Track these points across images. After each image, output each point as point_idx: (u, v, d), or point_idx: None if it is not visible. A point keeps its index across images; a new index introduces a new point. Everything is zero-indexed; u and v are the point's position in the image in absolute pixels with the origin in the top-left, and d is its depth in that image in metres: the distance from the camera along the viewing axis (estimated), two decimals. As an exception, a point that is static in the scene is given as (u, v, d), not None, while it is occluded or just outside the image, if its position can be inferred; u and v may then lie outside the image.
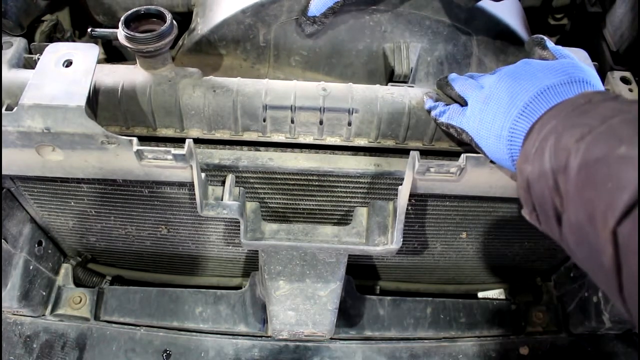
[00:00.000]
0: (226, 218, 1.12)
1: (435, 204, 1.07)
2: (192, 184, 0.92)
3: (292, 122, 0.93)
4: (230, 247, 1.23)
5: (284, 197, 1.07)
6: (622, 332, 1.26)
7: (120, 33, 0.87)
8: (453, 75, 0.89)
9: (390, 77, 1.03)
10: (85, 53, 0.86)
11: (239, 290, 1.30)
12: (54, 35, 1.18)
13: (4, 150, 0.88)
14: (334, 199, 1.07)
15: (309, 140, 0.97)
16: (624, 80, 1.00)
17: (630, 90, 0.99)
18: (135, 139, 0.86)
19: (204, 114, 0.93)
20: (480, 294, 1.42)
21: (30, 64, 0.98)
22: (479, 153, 0.84)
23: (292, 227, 1.05)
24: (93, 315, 1.27)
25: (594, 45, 1.19)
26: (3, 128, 0.83)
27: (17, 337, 1.23)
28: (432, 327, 1.29)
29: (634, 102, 0.59)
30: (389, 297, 1.31)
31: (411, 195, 0.95)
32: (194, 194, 0.92)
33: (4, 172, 0.94)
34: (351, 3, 0.97)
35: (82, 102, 0.80)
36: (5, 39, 0.99)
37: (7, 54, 0.95)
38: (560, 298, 1.35)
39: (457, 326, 1.30)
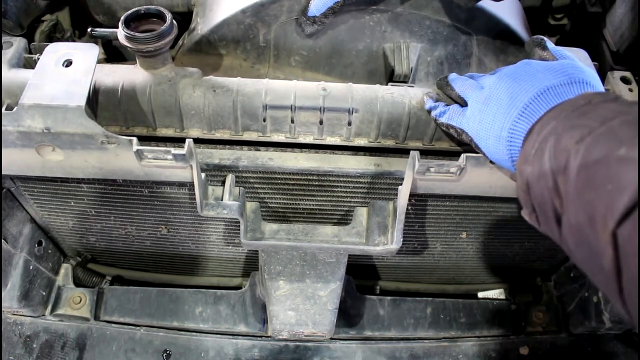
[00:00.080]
0: (226, 218, 1.12)
1: (435, 204, 1.07)
2: (192, 184, 0.92)
3: (292, 122, 0.93)
4: (230, 247, 1.23)
5: (284, 197, 1.07)
6: (622, 332, 1.26)
7: (120, 33, 0.87)
8: (453, 76, 0.89)
9: (390, 77, 1.03)
10: (85, 53, 0.86)
11: (239, 290, 1.30)
12: (54, 35, 1.18)
13: (4, 150, 0.88)
14: (334, 198, 1.07)
15: (309, 140, 0.97)
16: (624, 80, 1.00)
17: (630, 90, 0.99)
18: (135, 139, 0.86)
19: (204, 113, 0.93)
20: (480, 294, 1.42)
21: (30, 64, 0.98)
22: (478, 153, 0.84)
23: (292, 227, 1.05)
24: (93, 315, 1.27)
25: (594, 45, 1.19)
26: (3, 128, 0.83)
27: (17, 337, 1.23)
28: (432, 327, 1.29)
29: (634, 103, 0.59)
30: (389, 297, 1.31)
31: (411, 195, 0.95)
32: (194, 194, 0.92)
33: (4, 172, 0.94)
34: (351, 3, 0.97)
35: (82, 102, 0.80)
36: (5, 38, 0.99)
37: (7, 53, 0.95)
38: (560, 298, 1.35)
39: (457, 326, 1.29)
